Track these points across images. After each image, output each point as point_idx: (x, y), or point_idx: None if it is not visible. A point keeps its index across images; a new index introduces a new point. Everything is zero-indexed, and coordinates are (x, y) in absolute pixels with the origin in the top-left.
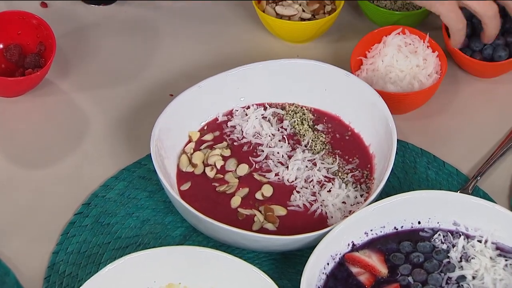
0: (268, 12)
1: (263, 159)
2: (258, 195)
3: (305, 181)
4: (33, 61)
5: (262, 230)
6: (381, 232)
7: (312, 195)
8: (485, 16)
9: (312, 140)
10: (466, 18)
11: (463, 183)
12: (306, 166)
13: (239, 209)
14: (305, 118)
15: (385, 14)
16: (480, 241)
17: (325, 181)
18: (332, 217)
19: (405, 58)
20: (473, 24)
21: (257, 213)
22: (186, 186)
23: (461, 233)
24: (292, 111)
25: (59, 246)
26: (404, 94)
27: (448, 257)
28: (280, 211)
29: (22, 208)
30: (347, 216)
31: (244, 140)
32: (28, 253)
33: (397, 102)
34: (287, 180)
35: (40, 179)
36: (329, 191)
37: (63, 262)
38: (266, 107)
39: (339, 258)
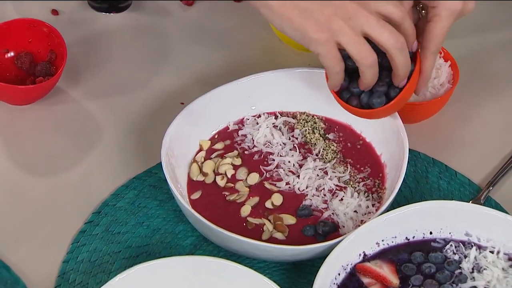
0: None
1: (274, 168)
2: (268, 204)
3: (316, 190)
4: (44, 69)
5: (272, 240)
6: (392, 242)
7: (323, 203)
8: (363, 64)
9: (323, 149)
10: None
11: (475, 193)
12: (317, 175)
13: (248, 218)
14: (316, 127)
15: None
16: (492, 252)
17: (337, 189)
18: (344, 226)
19: None
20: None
21: (266, 222)
22: (196, 195)
23: (473, 244)
24: (303, 119)
25: (69, 255)
26: (416, 103)
27: (460, 268)
28: (289, 220)
29: (32, 216)
30: (358, 226)
31: (255, 149)
32: (38, 261)
33: (409, 111)
34: (298, 189)
35: (50, 188)
36: (341, 199)
37: (73, 271)
38: (277, 116)
39: (350, 269)
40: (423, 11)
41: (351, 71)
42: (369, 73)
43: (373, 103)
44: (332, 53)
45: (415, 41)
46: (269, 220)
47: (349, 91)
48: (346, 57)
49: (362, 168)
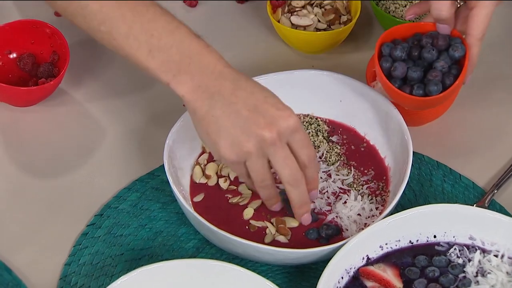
0: (283, 22)
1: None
2: None
3: (320, 192)
4: (46, 70)
5: (274, 243)
6: (396, 246)
7: (327, 205)
8: (257, 185)
9: (327, 151)
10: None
11: (480, 197)
12: (321, 178)
13: (251, 221)
14: (320, 129)
15: None
16: (496, 256)
17: (340, 192)
18: (347, 229)
19: None
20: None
21: (269, 225)
22: (199, 198)
23: (477, 248)
24: (307, 122)
25: (71, 258)
26: None
27: (464, 271)
28: (292, 222)
29: (34, 218)
30: (362, 229)
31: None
32: (40, 264)
33: (413, 114)
34: None
35: (52, 190)
36: (345, 202)
37: (75, 274)
38: None
39: (354, 272)
40: (461, 2)
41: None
42: (263, 193)
43: (430, 90)
44: (244, 171)
45: (315, 190)
46: (272, 223)
47: (401, 79)
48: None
49: (366, 171)
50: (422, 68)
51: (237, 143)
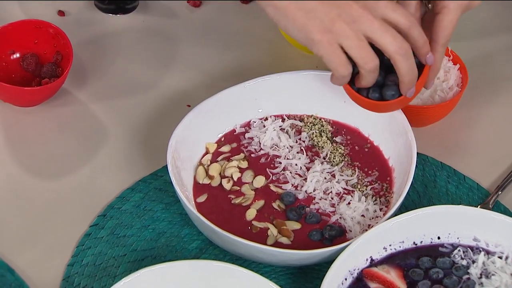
0: None
1: (281, 171)
2: (275, 205)
3: (324, 193)
4: (49, 70)
5: (277, 244)
6: (400, 247)
7: (331, 206)
8: (364, 68)
9: (330, 152)
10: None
11: (484, 198)
12: (325, 178)
13: (253, 222)
14: (323, 130)
15: None
16: (500, 257)
17: (344, 193)
18: (351, 230)
19: None
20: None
21: (271, 226)
22: (202, 198)
23: (481, 249)
24: (310, 122)
25: (74, 258)
26: (424, 107)
27: (468, 273)
28: (294, 225)
29: (37, 219)
30: (366, 230)
31: (262, 152)
32: (43, 265)
33: (417, 115)
34: (305, 192)
35: (56, 190)
36: (348, 203)
37: (78, 275)
38: (284, 119)
39: (357, 274)
40: (429, 5)
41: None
42: (369, 77)
43: (386, 95)
44: (336, 55)
45: (429, 53)
46: (274, 225)
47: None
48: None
49: (370, 172)
50: (383, 72)
51: (327, 22)
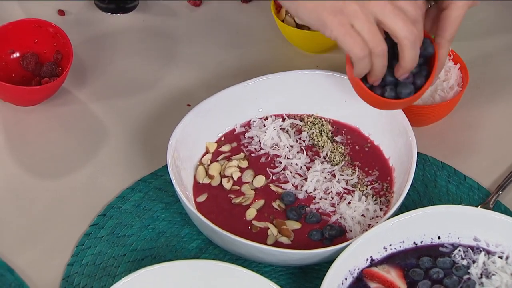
0: (288, 22)
1: (281, 171)
2: (275, 205)
3: (324, 193)
4: (49, 70)
5: (277, 244)
6: (400, 247)
7: (331, 206)
8: (373, 53)
9: (331, 151)
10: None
11: (484, 198)
12: (325, 178)
13: (253, 222)
14: (324, 130)
15: None
16: (501, 257)
17: (345, 192)
18: (351, 230)
19: None
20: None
21: (271, 226)
22: (202, 198)
23: (481, 249)
24: (310, 122)
25: (74, 258)
26: (425, 106)
27: (468, 273)
28: (294, 225)
29: (36, 218)
30: (366, 230)
31: (262, 152)
32: (43, 264)
33: (417, 115)
34: (305, 192)
35: (55, 190)
36: (349, 203)
37: (77, 274)
38: (285, 118)
39: (357, 273)
40: (432, 2)
41: None
42: (378, 63)
43: (401, 93)
44: (349, 35)
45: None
46: (274, 225)
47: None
48: None
49: (370, 171)
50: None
51: (338, 4)
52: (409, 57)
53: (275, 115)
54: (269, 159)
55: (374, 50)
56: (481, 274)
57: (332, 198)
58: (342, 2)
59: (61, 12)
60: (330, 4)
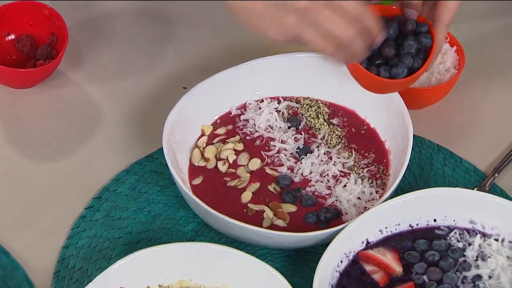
0: None
1: (276, 153)
2: (271, 188)
3: (320, 176)
4: (44, 52)
5: (273, 227)
6: (396, 229)
7: (327, 189)
8: (324, 51)
9: (327, 134)
10: None
11: (481, 180)
12: (322, 160)
13: (249, 205)
14: (320, 112)
15: None
16: (497, 240)
17: (341, 175)
18: (346, 213)
19: None
20: None
21: (267, 209)
22: (198, 181)
23: (477, 232)
24: (307, 104)
25: (69, 241)
26: (421, 89)
27: (464, 255)
28: (290, 208)
29: (31, 202)
30: (362, 213)
31: (257, 134)
32: (38, 247)
33: (413, 97)
34: (301, 174)
35: (50, 173)
36: (344, 186)
37: (73, 257)
38: (280, 101)
39: (353, 256)
40: None
41: None
42: (341, 54)
43: (396, 73)
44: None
45: (379, 35)
46: (269, 207)
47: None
48: None
49: (366, 154)
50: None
51: (278, 23)
52: (343, 56)
53: (271, 98)
54: (264, 141)
55: (324, 51)
56: (477, 257)
57: (328, 181)
58: (281, 20)
59: None
60: (271, 25)
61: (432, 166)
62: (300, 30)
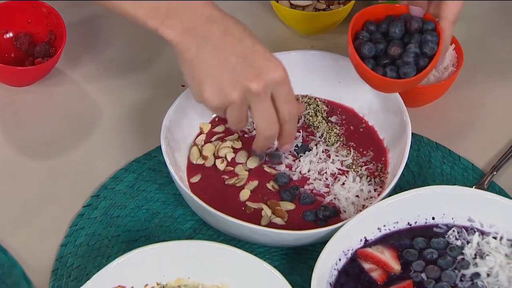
0: (282, 2)
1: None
2: (269, 186)
3: (318, 174)
4: (43, 50)
5: (271, 225)
6: (394, 227)
7: (325, 187)
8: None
9: (326, 132)
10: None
11: (479, 178)
12: (320, 158)
13: (247, 203)
14: (319, 110)
15: None
16: (495, 238)
17: (339, 173)
18: (345, 211)
19: None
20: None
21: (265, 207)
22: (196, 179)
23: (476, 230)
24: (305, 102)
25: (67, 239)
26: (419, 87)
27: (463, 253)
28: (288, 206)
29: (30, 199)
30: (360, 211)
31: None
32: (36, 245)
33: (412, 95)
34: (300, 172)
35: (49, 171)
36: (343, 184)
37: (71, 255)
38: None
39: (351, 254)
40: None
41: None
42: (234, 127)
43: (404, 73)
44: (222, 113)
45: (289, 144)
46: (268, 205)
47: (375, 60)
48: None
49: (364, 152)
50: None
51: (222, 91)
52: (259, 143)
53: None
54: None
55: (234, 125)
56: (475, 255)
57: (327, 179)
58: (224, 90)
59: None
60: (212, 91)
61: (431, 164)
62: (233, 106)
